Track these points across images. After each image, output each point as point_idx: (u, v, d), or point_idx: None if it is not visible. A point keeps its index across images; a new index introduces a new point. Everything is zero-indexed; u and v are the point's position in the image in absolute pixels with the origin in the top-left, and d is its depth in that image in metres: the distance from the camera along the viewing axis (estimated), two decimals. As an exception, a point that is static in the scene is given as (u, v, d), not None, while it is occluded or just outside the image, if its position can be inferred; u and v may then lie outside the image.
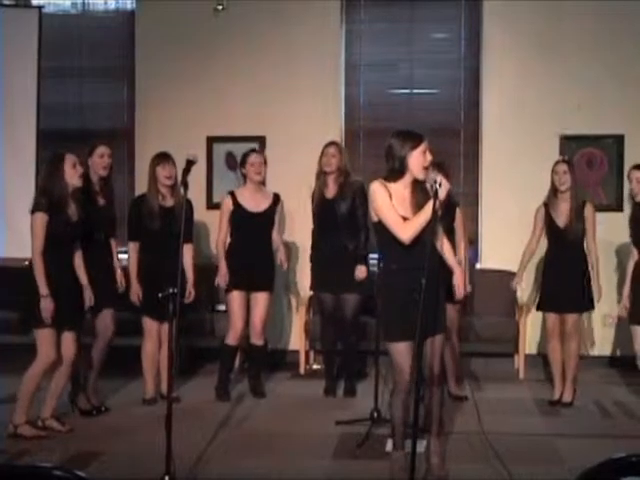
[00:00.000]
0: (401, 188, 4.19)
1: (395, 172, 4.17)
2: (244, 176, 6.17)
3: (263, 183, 6.23)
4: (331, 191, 6.18)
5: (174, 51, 7.61)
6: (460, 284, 4.35)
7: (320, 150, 6.22)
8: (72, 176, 5.10)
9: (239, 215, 6.11)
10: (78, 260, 5.28)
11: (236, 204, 6.11)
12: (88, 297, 5.29)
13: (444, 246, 4.33)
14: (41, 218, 5.00)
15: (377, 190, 4.17)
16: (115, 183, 6.04)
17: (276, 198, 6.23)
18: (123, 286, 5.82)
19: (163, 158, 5.90)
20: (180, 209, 5.66)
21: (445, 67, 7.59)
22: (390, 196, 4.14)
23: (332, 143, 6.29)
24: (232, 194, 6.16)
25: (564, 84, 7.31)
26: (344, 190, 6.13)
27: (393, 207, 4.12)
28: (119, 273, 5.83)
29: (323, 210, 6.18)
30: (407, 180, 4.18)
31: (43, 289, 4.97)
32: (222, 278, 6.09)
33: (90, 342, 5.64)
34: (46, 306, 4.96)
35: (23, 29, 7.21)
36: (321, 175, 6.20)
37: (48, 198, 5.03)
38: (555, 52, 7.32)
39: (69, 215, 5.11)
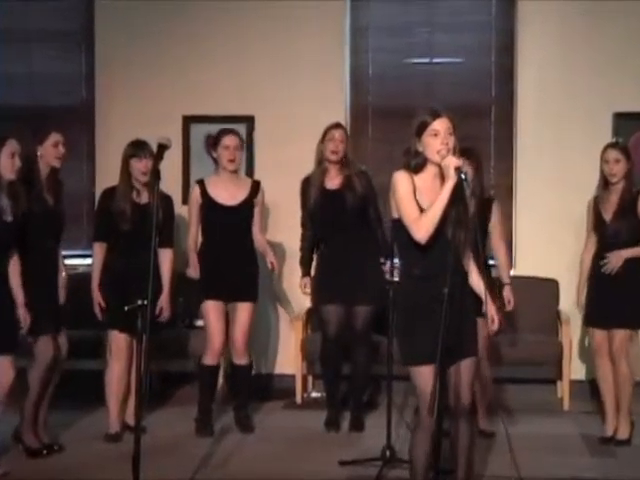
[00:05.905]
0: (430, 178, 4.15)
1: (414, 161, 4.15)
2: (216, 161, 6.14)
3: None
4: (335, 182, 6.18)
5: (143, 11, 7.57)
6: (494, 316, 4.32)
7: (320, 133, 6.20)
8: (7, 168, 5.03)
9: (210, 209, 6.08)
10: (13, 272, 5.17)
11: (205, 196, 6.08)
12: (23, 318, 5.15)
13: (472, 274, 4.27)
14: None
15: (399, 180, 4.13)
16: (70, 172, 5.98)
17: (255, 186, 6.18)
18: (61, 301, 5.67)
19: (139, 148, 5.86)
20: (156, 206, 5.64)
21: (472, 31, 7.58)
22: (414, 188, 4.10)
23: (338, 125, 6.28)
24: (201, 183, 6.14)
25: (617, 51, 7.28)
26: (352, 180, 6.13)
27: (415, 201, 4.08)
28: (63, 285, 5.71)
29: (326, 204, 6.17)
30: (434, 168, 4.14)
31: None
32: (193, 269, 6.07)
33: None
34: None
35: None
36: (322, 162, 6.17)
37: None
38: (607, 12, 7.27)
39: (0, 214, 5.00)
